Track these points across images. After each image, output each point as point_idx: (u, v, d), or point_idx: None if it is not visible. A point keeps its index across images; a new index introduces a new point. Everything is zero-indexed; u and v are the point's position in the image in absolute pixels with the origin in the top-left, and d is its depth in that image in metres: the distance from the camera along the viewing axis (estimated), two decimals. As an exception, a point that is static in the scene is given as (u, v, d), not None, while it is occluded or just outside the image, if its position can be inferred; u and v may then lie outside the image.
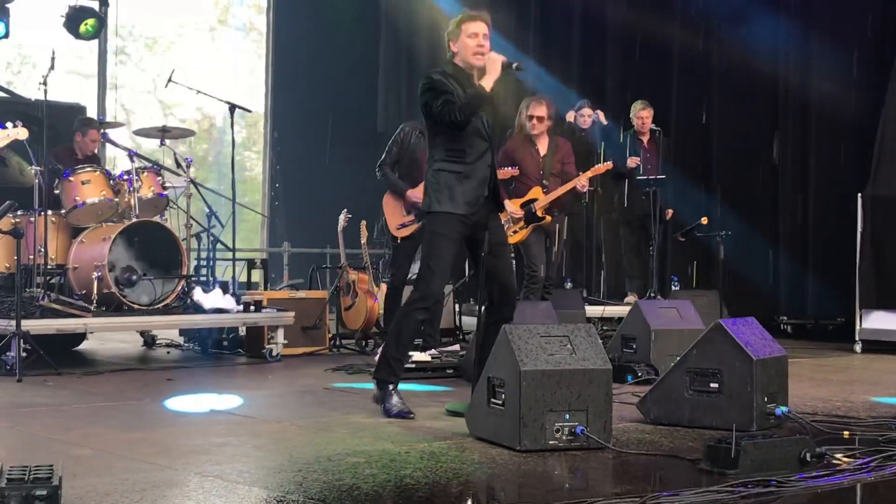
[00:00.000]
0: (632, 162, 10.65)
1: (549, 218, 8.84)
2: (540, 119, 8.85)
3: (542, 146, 8.92)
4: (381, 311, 9.32)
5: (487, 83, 5.73)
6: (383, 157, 8.69)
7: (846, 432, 5.32)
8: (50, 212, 8.43)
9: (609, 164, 9.49)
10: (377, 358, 6.02)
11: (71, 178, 8.54)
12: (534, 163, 8.92)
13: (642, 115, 10.91)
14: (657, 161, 10.69)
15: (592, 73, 13.22)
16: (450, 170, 5.80)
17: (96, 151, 9.62)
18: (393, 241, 8.84)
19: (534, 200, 8.85)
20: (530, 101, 9.02)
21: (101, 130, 9.67)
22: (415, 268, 8.82)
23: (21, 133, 7.61)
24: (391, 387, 5.82)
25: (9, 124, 7.61)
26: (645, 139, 10.93)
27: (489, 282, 5.89)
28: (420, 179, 8.21)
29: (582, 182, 9.02)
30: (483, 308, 5.97)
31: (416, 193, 8.33)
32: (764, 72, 11.86)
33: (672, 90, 12.69)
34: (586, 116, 11.04)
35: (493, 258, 5.85)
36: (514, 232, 8.80)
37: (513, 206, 8.71)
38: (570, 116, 11.17)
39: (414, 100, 9.48)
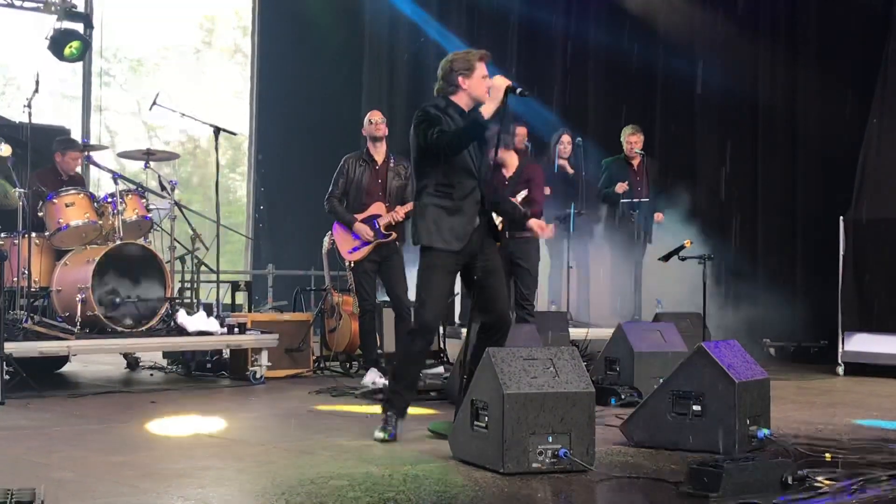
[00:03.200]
0: (620, 188, 10.76)
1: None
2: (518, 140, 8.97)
3: (510, 169, 8.91)
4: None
5: (487, 110, 5.69)
6: (330, 189, 8.73)
7: (828, 455, 5.34)
8: (34, 234, 8.40)
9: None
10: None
11: (55, 201, 8.54)
12: (500, 185, 8.94)
13: (632, 140, 11.00)
14: (647, 185, 10.78)
15: (575, 97, 13.26)
16: (438, 205, 5.82)
17: (79, 171, 9.61)
18: (349, 268, 8.88)
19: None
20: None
21: (86, 153, 9.67)
22: (381, 290, 8.89)
23: (4, 150, 7.58)
24: (391, 413, 5.87)
25: None
26: (635, 163, 11.01)
27: (484, 308, 5.91)
28: (369, 205, 8.52)
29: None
30: (475, 331, 5.99)
31: (363, 226, 8.47)
32: (748, 95, 11.93)
33: (655, 115, 12.74)
34: (566, 144, 11.08)
35: (487, 284, 5.86)
36: None
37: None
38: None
39: (396, 122, 9.57)
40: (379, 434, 5.76)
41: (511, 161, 8.84)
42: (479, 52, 5.99)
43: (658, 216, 10.84)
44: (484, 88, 5.82)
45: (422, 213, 5.88)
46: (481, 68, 5.89)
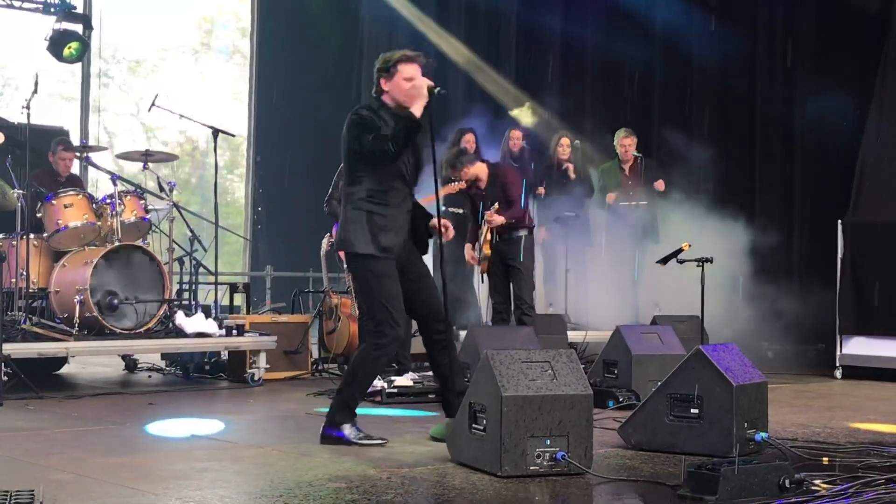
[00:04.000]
0: (609, 199, 10.79)
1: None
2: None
3: (483, 181, 8.87)
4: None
5: (416, 110, 5.59)
6: (330, 191, 8.74)
7: (825, 458, 5.34)
8: (32, 235, 8.41)
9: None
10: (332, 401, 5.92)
11: (53, 202, 8.54)
12: (479, 198, 8.98)
13: (625, 143, 11.00)
14: (640, 188, 10.78)
15: (573, 99, 13.27)
16: (374, 211, 5.67)
17: (76, 172, 9.60)
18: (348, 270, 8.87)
19: None
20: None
21: (84, 154, 9.67)
22: None
23: None
24: (352, 422, 5.74)
25: None
26: (627, 167, 11.01)
27: (419, 306, 5.84)
28: None
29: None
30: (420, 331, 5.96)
31: None
32: (746, 96, 11.94)
33: (653, 117, 12.74)
34: (564, 146, 11.08)
35: (415, 289, 5.78)
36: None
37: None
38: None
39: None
40: (368, 442, 5.66)
41: (482, 173, 8.76)
42: (404, 53, 5.81)
43: (659, 184, 10.79)
44: (405, 91, 5.67)
45: (358, 219, 5.68)
46: (404, 70, 5.72)
